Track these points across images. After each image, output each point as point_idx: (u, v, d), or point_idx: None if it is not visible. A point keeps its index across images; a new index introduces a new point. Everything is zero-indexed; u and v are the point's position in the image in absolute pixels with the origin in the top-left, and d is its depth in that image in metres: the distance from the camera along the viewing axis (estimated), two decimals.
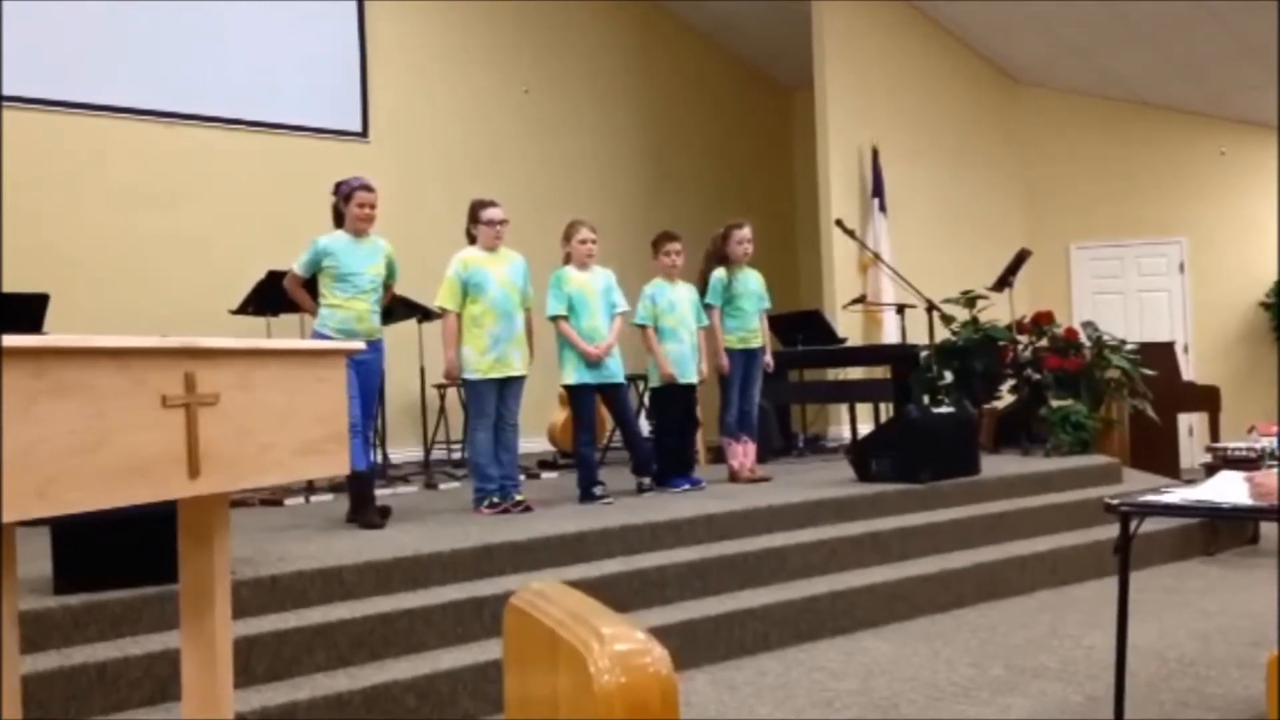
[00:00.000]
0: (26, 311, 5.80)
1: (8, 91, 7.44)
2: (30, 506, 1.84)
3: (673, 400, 6.32)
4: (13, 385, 1.82)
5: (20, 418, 1.82)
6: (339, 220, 5.32)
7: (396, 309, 7.35)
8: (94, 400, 1.96)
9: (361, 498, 5.21)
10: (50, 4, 7.61)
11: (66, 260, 7.47)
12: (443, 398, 8.31)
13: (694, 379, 6.35)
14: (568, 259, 5.97)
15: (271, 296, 6.65)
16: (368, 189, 5.24)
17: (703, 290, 6.51)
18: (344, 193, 5.27)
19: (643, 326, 6.27)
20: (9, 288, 6.18)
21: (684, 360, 6.27)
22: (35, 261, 7.22)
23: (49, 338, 1.93)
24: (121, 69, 7.91)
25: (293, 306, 5.68)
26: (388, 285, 5.45)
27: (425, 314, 7.45)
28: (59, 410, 1.89)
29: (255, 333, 6.74)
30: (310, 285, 5.33)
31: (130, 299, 7.68)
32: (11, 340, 1.83)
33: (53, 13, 7.63)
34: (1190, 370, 9.99)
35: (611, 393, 5.98)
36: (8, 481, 1.80)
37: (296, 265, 5.27)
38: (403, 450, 8.46)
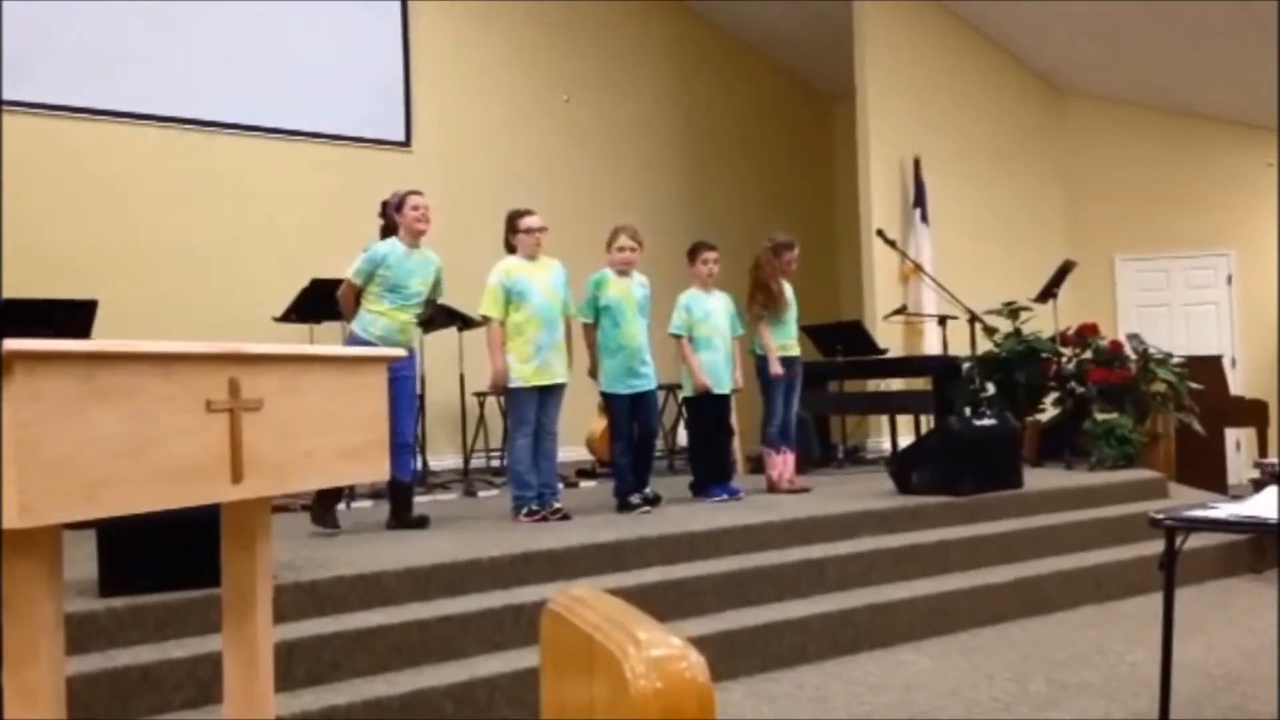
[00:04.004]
0: (76, 317, 5.88)
1: (58, 101, 7.59)
2: (78, 508, 1.87)
3: (707, 410, 6.30)
4: (62, 389, 1.85)
5: (69, 421, 1.86)
6: (388, 236, 5.39)
7: (437, 317, 7.40)
8: (140, 405, 1.99)
9: (403, 504, 5.36)
10: (96, 14, 7.74)
11: (114, 267, 7.58)
12: (482, 405, 8.35)
13: (728, 388, 6.33)
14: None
15: (314, 304, 6.72)
16: (417, 193, 5.35)
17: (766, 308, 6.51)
18: (394, 203, 5.36)
19: (678, 336, 6.27)
20: (59, 294, 6.27)
21: (718, 370, 6.25)
22: (84, 268, 7.35)
23: (97, 343, 1.96)
24: (166, 78, 8.03)
25: (335, 314, 5.72)
26: (430, 300, 5.51)
27: (465, 322, 7.49)
28: (106, 414, 1.92)
29: (298, 340, 6.81)
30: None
31: (175, 306, 7.78)
32: (61, 345, 1.87)
33: (99, 23, 7.77)
34: (1238, 384, 9.84)
35: (642, 401, 5.94)
36: (57, 483, 1.83)
37: (353, 274, 5.28)
38: (442, 458, 8.50)
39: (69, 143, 7.64)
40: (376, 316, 5.22)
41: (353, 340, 5.19)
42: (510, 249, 5.67)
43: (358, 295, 5.30)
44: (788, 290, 6.60)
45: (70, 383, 1.87)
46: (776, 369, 6.43)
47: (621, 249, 5.89)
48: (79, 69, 7.68)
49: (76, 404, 1.87)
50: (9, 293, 5.96)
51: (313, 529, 5.14)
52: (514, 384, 5.50)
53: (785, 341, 6.54)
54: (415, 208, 5.29)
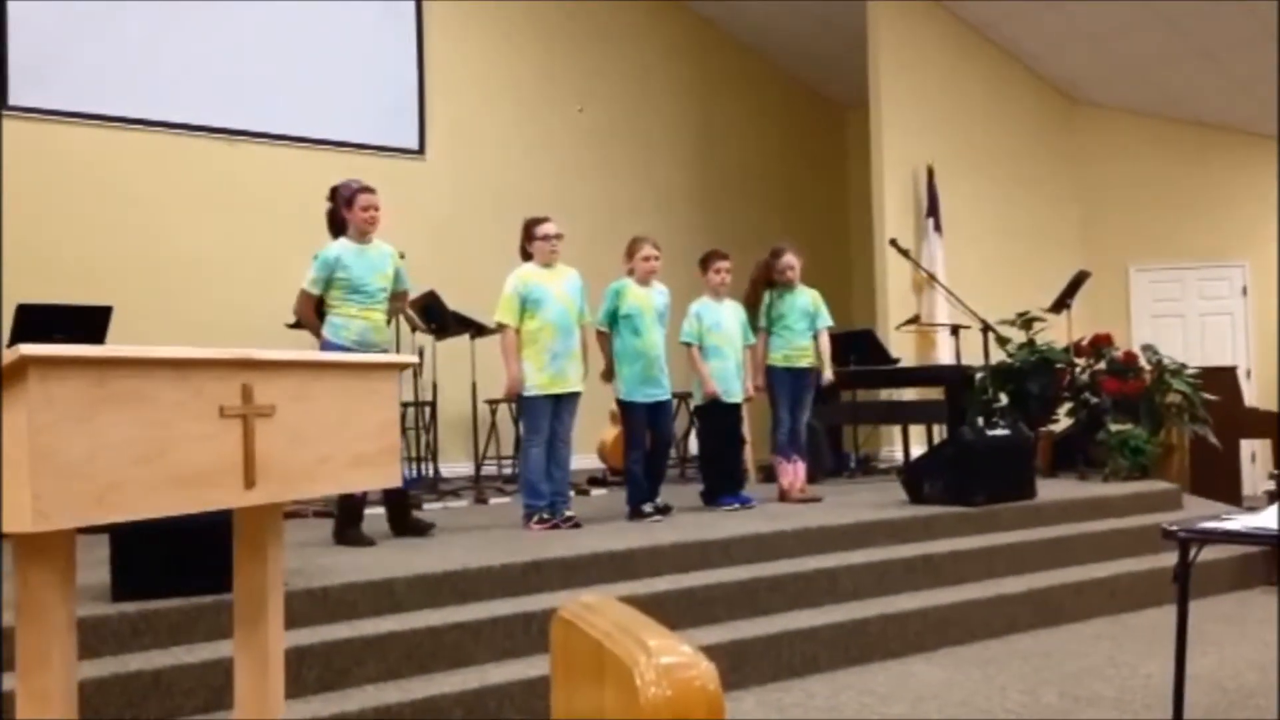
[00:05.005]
0: (90, 323, 5.92)
1: (71, 108, 7.64)
2: (90, 512, 1.88)
3: (718, 418, 6.29)
4: (76, 394, 1.86)
5: (82, 426, 1.86)
6: (336, 229, 5.14)
7: (449, 324, 7.41)
8: (154, 410, 2.00)
9: (399, 510, 5.32)
10: (113, 23, 7.79)
11: (128, 273, 7.62)
12: (494, 413, 8.36)
13: (739, 397, 6.32)
14: (632, 273, 5.97)
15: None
16: (370, 190, 5.08)
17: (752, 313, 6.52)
18: (344, 196, 5.09)
19: (688, 345, 6.26)
20: (74, 299, 6.32)
21: (729, 378, 6.23)
22: (98, 274, 7.39)
23: (111, 348, 1.97)
24: (183, 86, 8.08)
25: None
26: (400, 294, 5.34)
27: (478, 330, 7.51)
28: (120, 419, 1.93)
29: (311, 346, 6.81)
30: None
31: (190, 312, 7.81)
32: (75, 350, 1.88)
33: (115, 31, 7.82)
34: (1253, 396, 9.78)
35: (658, 410, 5.96)
36: (70, 488, 1.84)
37: (308, 284, 5.02)
38: (453, 465, 8.51)
39: (85, 149, 7.68)
40: (348, 320, 5.01)
41: (328, 346, 4.97)
42: (526, 256, 5.65)
43: (319, 306, 5.07)
44: (797, 298, 6.56)
45: (84, 388, 1.87)
46: (757, 381, 6.45)
47: (647, 258, 5.89)
48: (95, 76, 7.73)
49: (90, 409, 1.88)
50: (23, 298, 5.98)
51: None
52: (528, 392, 5.48)
53: (789, 351, 6.51)
54: (366, 208, 5.03)
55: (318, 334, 5.13)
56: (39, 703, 1.98)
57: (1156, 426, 7.39)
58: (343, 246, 5.06)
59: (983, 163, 10.09)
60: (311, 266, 5.06)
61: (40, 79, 7.50)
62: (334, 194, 5.17)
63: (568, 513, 5.49)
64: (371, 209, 5.06)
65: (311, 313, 5.11)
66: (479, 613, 4.06)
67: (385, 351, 5.13)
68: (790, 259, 6.52)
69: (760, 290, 6.55)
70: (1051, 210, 10.58)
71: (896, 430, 8.99)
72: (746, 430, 6.82)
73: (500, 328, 5.58)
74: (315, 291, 5.04)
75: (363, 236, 5.09)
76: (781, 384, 6.48)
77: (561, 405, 5.55)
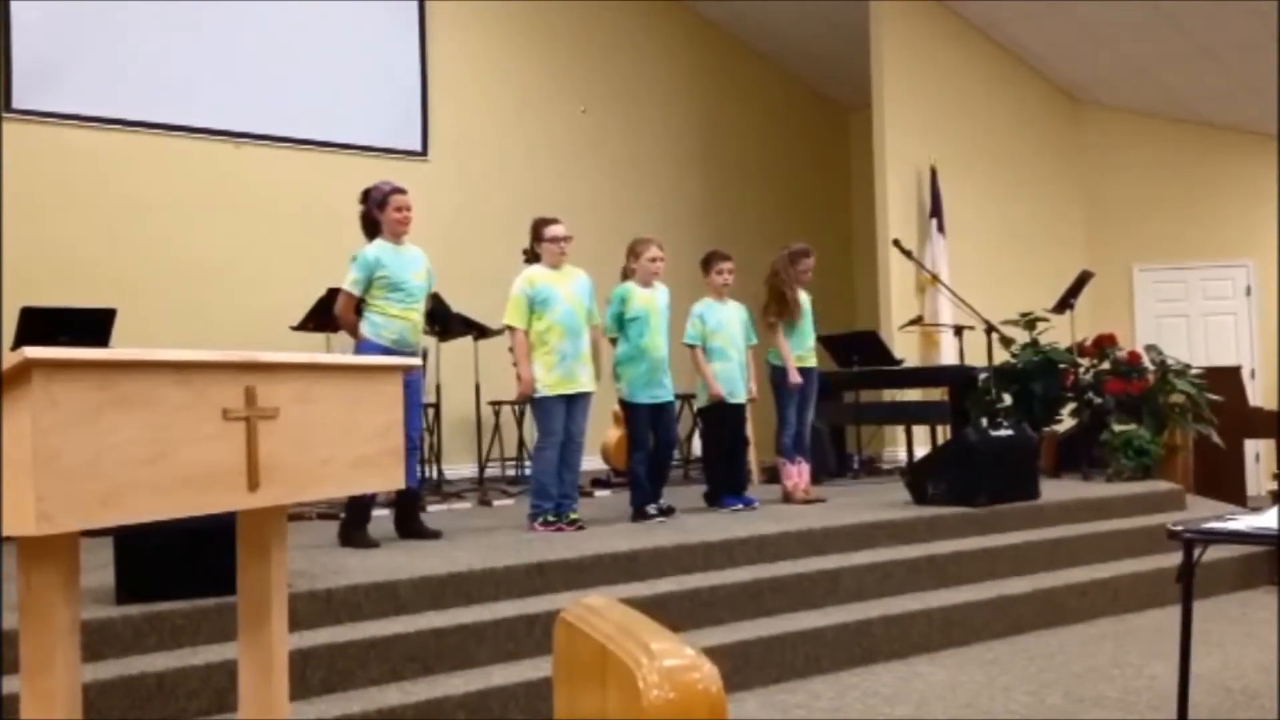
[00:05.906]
0: (94, 325, 5.92)
1: (80, 112, 7.65)
2: (95, 515, 1.88)
3: (722, 420, 6.28)
4: (80, 397, 1.86)
5: (86, 429, 1.87)
6: (370, 230, 5.19)
7: (453, 326, 7.41)
8: (157, 412, 2.00)
9: (408, 511, 5.30)
10: (119, 26, 7.80)
11: (132, 276, 7.63)
12: (497, 415, 8.36)
13: (743, 398, 6.31)
14: (625, 275, 5.97)
15: (331, 313, 6.74)
16: (401, 191, 5.15)
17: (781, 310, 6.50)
18: (376, 199, 5.15)
19: (691, 346, 6.25)
20: (78, 302, 6.33)
21: (733, 379, 6.23)
22: (102, 276, 7.39)
23: (115, 351, 1.98)
24: (186, 89, 8.08)
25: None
26: (433, 294, 5.39)
27: (481, 331, 7.51)
28: (124, 421, 1.93)
29: (315, 348, 6.83)
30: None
31: (193, 314, 7.82)
32: (79, 353, 1.88)
33: (122, 34, 7.83)
34: (1257, 395, 9.77)
35: (662, 411, 5.96)
36: (74, 490, 1.84)
37: (349, 285, 5.07)
38: (457, 467, 8.51)
39: (89, 152, 7.69)
40: (389, 320, 5.05)
41: (367, 346, 5.01)
42: (534, 257, 5.64)
43: (358, 306, 5.11)
44: (804, 299, 6.59)
45: (88, 391, 1.88)
46: (795, 378, 6.41)
47: (654, 259, 5.88)
48: (100, 79, 7.74)
49: (94, 412, 1.88)
50: (28, 300, 5.99)
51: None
52: (540, 393, 5.47)
53: (801, 352, 6.53)
54: (399, 208, 5.11)
55: (356, 334, 5.17)
56: (43, 705, 1.98)
57: (1160, 427, 7.38)
58: (379, 248, 5.12)
59: (986, 163, 10.08)
60: (351, 268, 5.10)
61: (44, 82, 7.51)
62: (365, 196, 5.24)
63: (572, 515, 5.49)
64: (404, 209, 5.14)
65: (352, 313, 5.15)
66: (482, 614, 4.06)
67: (415, 354, 5.16)
68: (813, 260, 6.56)
69: (789, 292, 6.50)
70: (1055, 210, 10.57)
71: (900, 431, 8.98)
72: (750, 431, 6.82)
73: (509, 330, 5.57)
74: (356, 292, 5.09)
75: (397, 238, 5.16)
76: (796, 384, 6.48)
77: (574, 406, 5.54)
